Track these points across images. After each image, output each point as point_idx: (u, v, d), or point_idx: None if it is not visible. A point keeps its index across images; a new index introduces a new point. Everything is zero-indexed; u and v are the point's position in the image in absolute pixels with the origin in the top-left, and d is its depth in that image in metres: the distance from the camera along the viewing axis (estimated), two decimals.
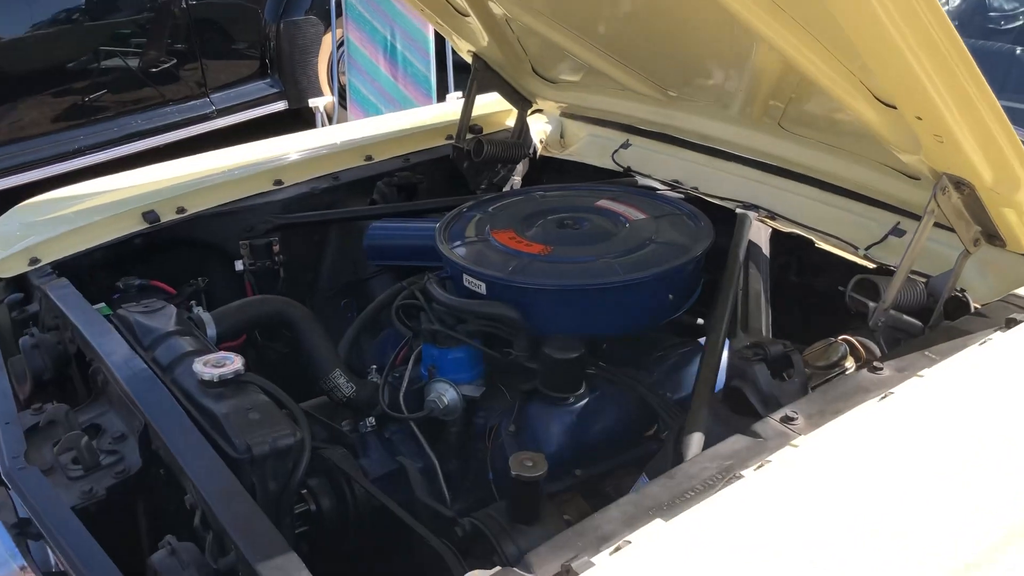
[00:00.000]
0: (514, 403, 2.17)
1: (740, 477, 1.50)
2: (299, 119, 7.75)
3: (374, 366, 2.35)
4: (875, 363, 1.81)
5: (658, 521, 1.42)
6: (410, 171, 3.02)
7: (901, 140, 1.92)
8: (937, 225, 2.30)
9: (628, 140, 3.10)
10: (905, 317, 2.00)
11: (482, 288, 2.17)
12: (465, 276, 2.21)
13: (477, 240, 2.34)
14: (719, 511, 1.43)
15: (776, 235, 2.50)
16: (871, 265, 2.35)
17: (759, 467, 1.52)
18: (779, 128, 2.47)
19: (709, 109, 2.67)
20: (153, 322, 2.01)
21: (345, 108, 6.37)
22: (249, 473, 1.63)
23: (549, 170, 3.29)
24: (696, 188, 2.77)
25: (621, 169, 3.01)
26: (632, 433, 2.25)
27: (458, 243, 2.34)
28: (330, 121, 6.42)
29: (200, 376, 1.75)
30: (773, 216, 2.57)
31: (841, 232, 2.44)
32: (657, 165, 2.94)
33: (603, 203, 2.53)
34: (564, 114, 3.34)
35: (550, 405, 2.13)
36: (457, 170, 3.15)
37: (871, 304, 1.95)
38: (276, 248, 2.74)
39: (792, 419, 1.66)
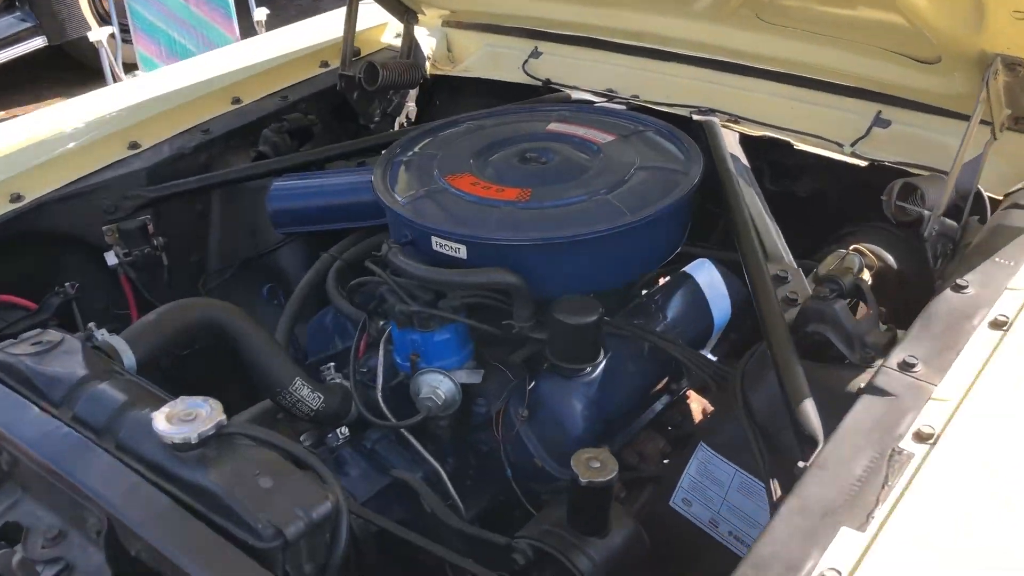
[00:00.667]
0: (520, 382, 1.81)
1: (909, 456, 1.24)
2: (67, 59, 6.68)
3: (330, 365, 1.91)
4: (958, 280, 1.59)
5: (850, 533, 1.14)
6: (299, 112, 2.49)
7: (950, 23, 1.68)
8: (921, 110, 2.14)
9: (537, 47, 2.71)
10: (946, 220, 1.80)
11: (461, 252, 1.77)
12: (436, 239, 1.79)
13: (430, 190, 1.91)
14: (924, 510, 1.17)
15: (744, 140, 2.23)
16: (861, 163, 2.14)
17: (923, 439, 1.26)
18: (757, 21, 2.17)
19: (664, 4, 2.32)
20: (56, 366, 1.46)
21: (129, 42, 5.47)
22: (280, 562, 1.20)
23: (443, 92, 2.86)
24: (636, 96, 2.45)
25: (539, 82, 2.63)
26: (648, 391, 1.96)
27: (408, 197, 1.90)
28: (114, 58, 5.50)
29: (168, 438, 1.27)
30: (736, 120, 2.30)
31: (818, 130, 2.21)
32: (581, 74, 2.59)
33: (555, 127, 2.15)
34: (448, 23, 2.88)
35: (566, 379, 1.80)
36: (342, 103, 2.65)
37: (925, 212, 1.73)
38: (151, 229, 2.18)
39: (912, 365, 1.41)
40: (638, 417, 1.94)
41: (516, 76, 2.69)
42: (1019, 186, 1.90)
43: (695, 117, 2.30)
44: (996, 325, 1.46)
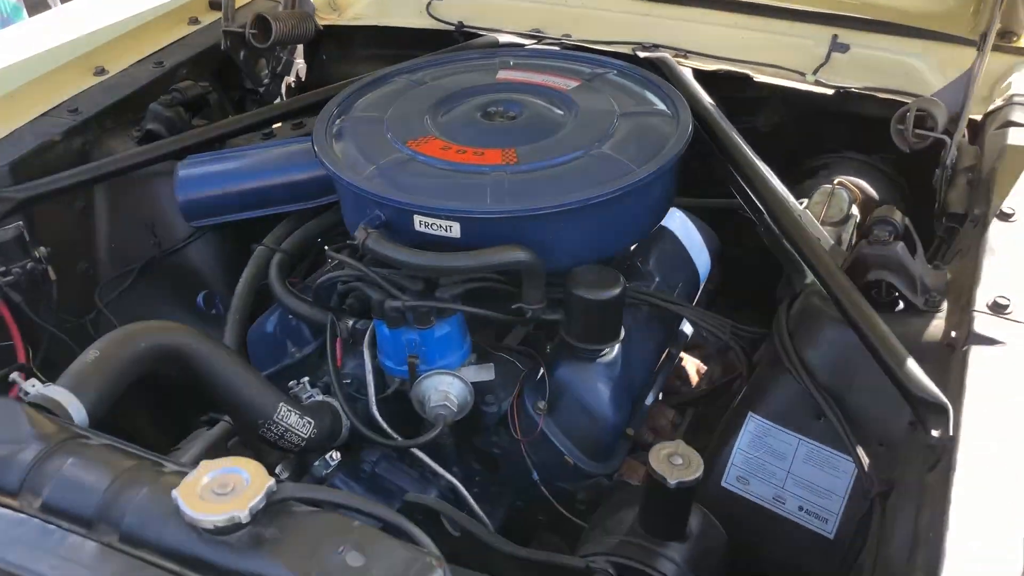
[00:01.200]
0: (530, 372, 1.59)
1: None
2: None
3: (303, 380, 1.60)
4: (1003, 208, 1.50)
5: None
6: (189, 78, 2.08)
7: None
8: (879, 31, 2.05)
9: None
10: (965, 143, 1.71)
11: (453, 230, 1.50)
12: (419, 218, 1.51)
13: (395, 160, 1.61)
14: None
15: (697, 76, 2.07)
16: (825, 91, 2.03)
17: None
18: None
19: None
20: None
21: None
22: None
23: (331, 45, 2.51)
24: (568, 35, 2.22)
25: (450, 26, 2.35)
26: (657, 362, 1.79)
27: (366, 170, 1.60)
28: None
29: (207, 522, 0.95)
30: (685, 55, 2.13)
31: (774, 60, 2.08)
32: (499, 14, 2.33)
33: (506, 75, 1.90)
34: None
35: (588, 362, 1.58)
36: (224, 66, 2.26)
37: (948, 139, 1.63)
38: (27, 238, 1.75)
39: (1005, 306, 1.31)
40: (650, 391, 1.77)
41: (420, 21, 2.40)
42: (999, 103, 1.85)
43: (640, 55, 2.11)
44: None
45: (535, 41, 2.21)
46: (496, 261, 1.47)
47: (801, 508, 1.48)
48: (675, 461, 1.29)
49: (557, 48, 2.15)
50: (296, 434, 1.46)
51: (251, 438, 1.48)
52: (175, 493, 0.97)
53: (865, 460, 1.37)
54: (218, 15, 2.34)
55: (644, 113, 1.74)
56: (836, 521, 1.45)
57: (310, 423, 1.48)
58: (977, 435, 1.11)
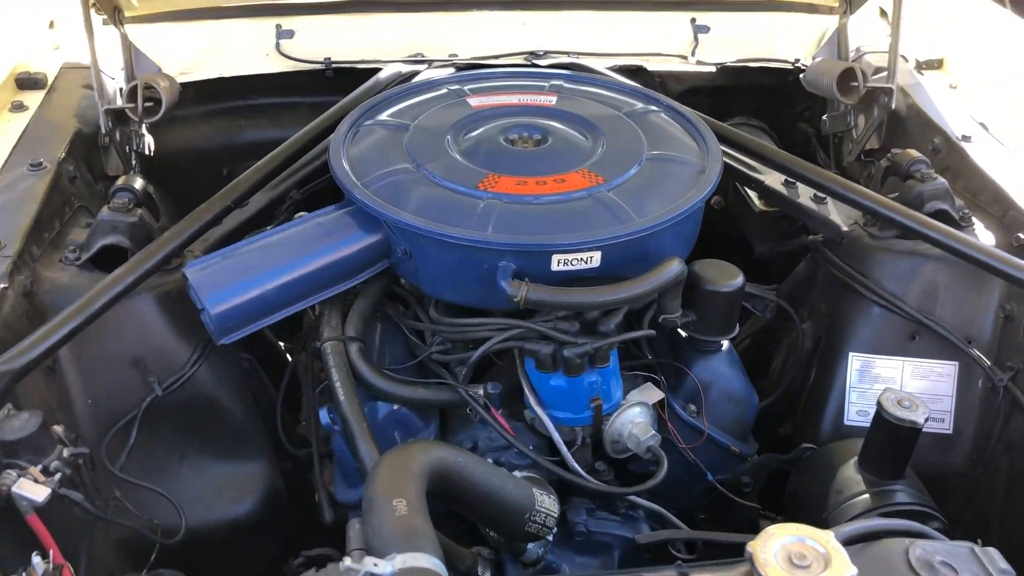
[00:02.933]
0: (673, 380, 1.60)
1: None
2: None
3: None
4: (963, 134, 1.85)
5: None
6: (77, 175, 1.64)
7: None
8: (730, 10, 2.32)
9: (280, 25, 2.17)
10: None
11: (594, 259, 1.45)
12: (558, 256, 1.43)
13: (485, 210, 1.49)
14: None
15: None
16: (706, 69, 2.25)
17: None
18: None
19: None
20: None
21: None
22: None
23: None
24: (455, 55, 2.16)
25: (318, 64, 2.13)
26: None
27: (466, 225, 1.46)
28: None
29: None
30: (577, 56, 2.19)
31: (650, 49, 2.25)
32: (365, 45, 2.17)
33: (479, 101, 1.82)
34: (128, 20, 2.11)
35: (716, 352, 1.64)
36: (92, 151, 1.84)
37: (892, 86, 1.93)
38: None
39: None
40: None
41: (273, 64, 2.14)
42: (853, 56, 2.21)
43: (536, 63, 2.14)
44: None
45: (427, 65, 2.11)
46: (666, 279, 1.45)
47: (926, 418, 1.71)
48: (905, 404, 1.44)
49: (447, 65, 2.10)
50: (551, 515, 1.33)
51: (518, 538, 1.31)
52: None
53: (982, 357, 1.64)
54: (33, 94, 1.88)
55: (650, 112, 1.80)
56: (951, 419, 1.70)
57: (554, 499, 1.35)
58: None
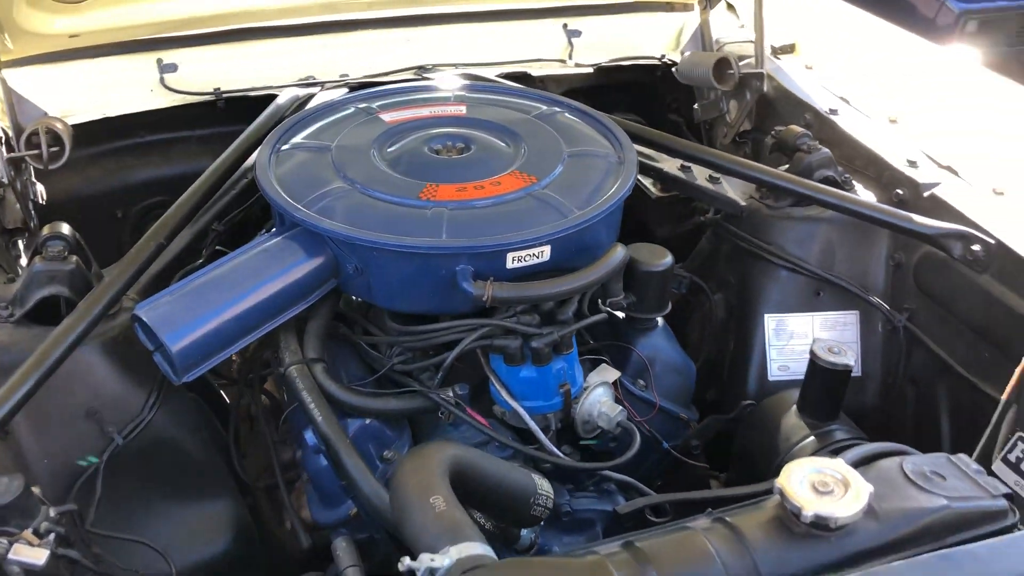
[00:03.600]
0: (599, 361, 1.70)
1: None
2: None
3: None
4: (829, 108, 2.06)
5: None
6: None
7: None
8: (596, 14, 2.46)
9: (161, 59, 2.12)
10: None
11: (544, 254, 1.53)
12: (513, 254, 1.50)
13: (432, 217, 1.53)
14: None
15: None
16: (584, 71, 2.37)
17: None
18: None
19: None
20: None
21: None
22: None
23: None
24: (346, 75, 2.18)
25: (208, 96, 2.10)
26: None
27: (416, 233, 1.51)
28: None
29: None
30: (465, 67, 2.26)
31: (534, 55, 2.35)
32: (253, 72, 2.15)
33: (391, 116, 1.85)
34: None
35: (654, 328, 1.75)
36: None
37: (762, 70, 2.11)
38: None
39: (915, 161, 1.85)
40: None
41: (159, 99, 2.09)
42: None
43: (427, 76, 2.20)
44: None
45: (320, 88, 2.12)
46: (614, 265, 1.56)
47: None
48: (835, 351, 1.59)
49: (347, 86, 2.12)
50: (550, 497, 1.39)
51: (523, 523, 1.36)
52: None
53: (881, 303, 1.84)
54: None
55: (556, 113, 1.89)
56: (859, 362, 1.88)
57: (548, 482, 1.41)
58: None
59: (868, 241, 1.87)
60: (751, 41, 2.21)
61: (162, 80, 2.10)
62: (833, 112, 2.05)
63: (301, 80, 2.15)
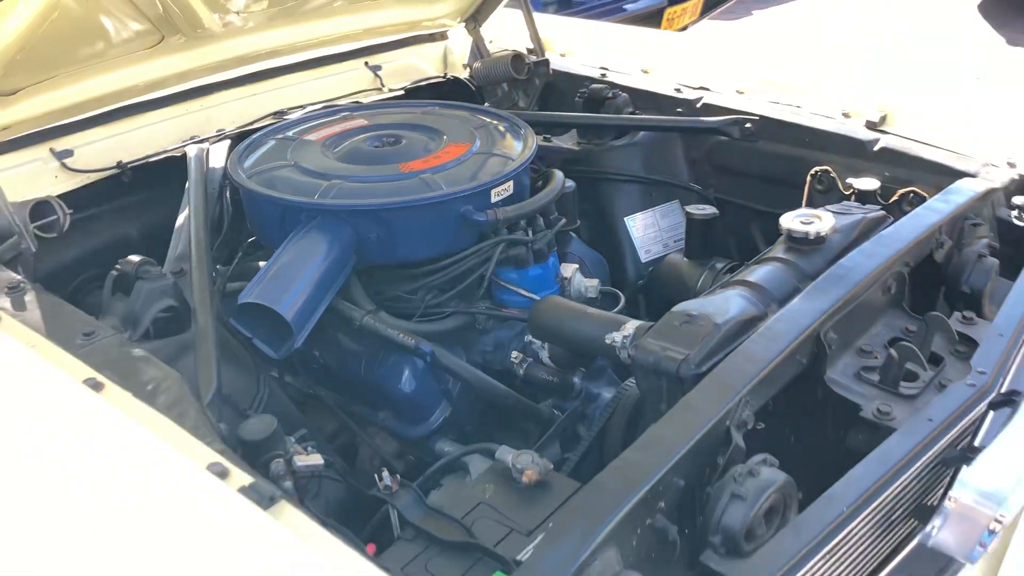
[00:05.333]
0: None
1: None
2: None
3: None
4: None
5: None
6: None
7: None
8: (388, 49, 2.99)
9: (53, 147, 2.25)
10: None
11: (509, 189, 2.05)
12: (496, 190, 2.00)
13: (416, 176, 1.98)
14: None
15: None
16: (397, 94, 2.87)
17: None
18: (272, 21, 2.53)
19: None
20: None
21: None
22: None
23: None
24: (223, 129, 2.47)
25: (118, 170, 2.28)
26: None
27: (422, 189, 1.95)
28: None
29: None
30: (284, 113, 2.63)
31: (351, 89, 2.80)
32: (146, 141, 2.36)
33: (313, 136, 2.24)
34: None
35: (574, 239, 2.32)
36: None
37: (547, 58, 2.77)
38: None
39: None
40: None
41: (67, 182, 2.23)
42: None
43: (286, 117, 2.56)
44: None
45: (208, 142, 2.39)
46: (561, 183, 2.11)
47: (676, 240, 2.58)
48: (702, 207, 2.28)
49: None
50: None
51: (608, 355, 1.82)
52: None
53: (693, 185, 2.58)
54: None
55: (435, 111, 2.39)
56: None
57: None
58: None
59: (669, 148, 2.61)
60: (506, 49, 2.90)
61: (64, 165, 2.24)
62: (604, 72, 2.78)
63: (188, 140, 2.40)
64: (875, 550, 1.40)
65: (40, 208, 1.96)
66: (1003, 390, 1.53)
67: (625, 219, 2.56)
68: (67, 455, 1.30)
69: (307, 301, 1.78)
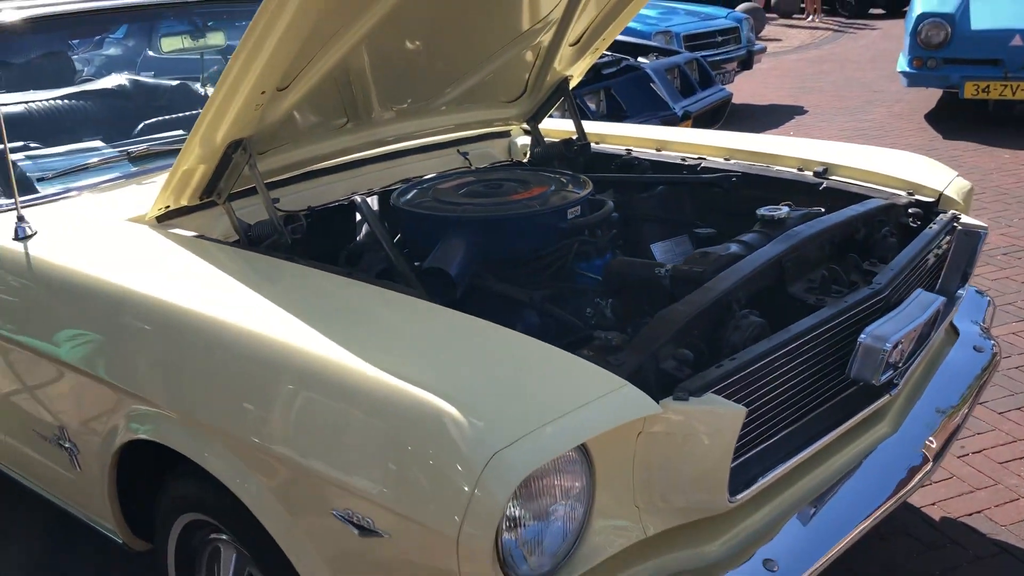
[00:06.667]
0: None
1: None
2: None
3: None
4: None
5: None
6: None
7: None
8: (477, 140, 4.14)
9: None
10: None
11: (577, 210, 3.14)
12: (571, 211, 3.09)
13: (523, 201, 3.08)
14: None
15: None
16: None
17: None
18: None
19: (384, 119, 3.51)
20: None
21: None
22: None
23: None
24: (372, 188, 3.57)
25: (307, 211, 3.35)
26: None
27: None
28: None
29: None
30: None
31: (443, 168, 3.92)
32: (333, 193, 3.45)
33: (443, 185, 3.34)
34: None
35: None
36: None
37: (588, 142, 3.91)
38: None
39: None
40: None
41: None
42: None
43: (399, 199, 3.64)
44: None
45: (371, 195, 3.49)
46: (611, 207, 3.19)
47: None
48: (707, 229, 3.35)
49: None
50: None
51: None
52: None
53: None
54: None
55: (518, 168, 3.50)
56: None
57: None
58: None
59: (679, 197, 3.70)
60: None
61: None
62: (630, 150, 3.91)
63: (351, 194, 3.49)
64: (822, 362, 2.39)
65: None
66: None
67: (651, 246, 3.62)
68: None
69: (459, 272, 2.83)
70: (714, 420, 1.98)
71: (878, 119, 10.77)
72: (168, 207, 2.92)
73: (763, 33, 18.06)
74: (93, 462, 2.72)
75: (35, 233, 2.90)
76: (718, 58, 10.56)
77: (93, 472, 2.75)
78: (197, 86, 4.44)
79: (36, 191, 3.26)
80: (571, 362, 1.99)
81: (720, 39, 11.10)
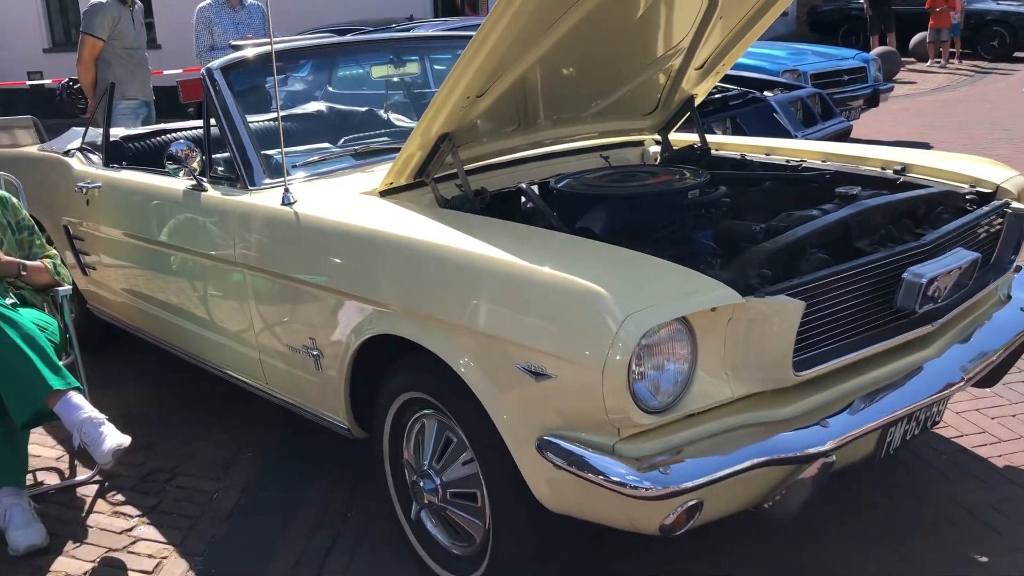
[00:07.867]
0: None
1: None
2: None
3: None
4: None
5: None
6: None
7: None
8: (616, 148, 5.10)
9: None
10: None
11: (697, 193, 4.03)
12: (691, 193, 3.99)
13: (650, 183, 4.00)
14: None
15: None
16: None
17: None
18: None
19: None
20: None
21: None
22: None
23: None
24: (534, 180, 4.56)
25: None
26: None
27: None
28: None
29: None
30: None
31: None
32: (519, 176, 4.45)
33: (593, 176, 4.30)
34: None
35: None
36: None
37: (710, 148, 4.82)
38: None
39: None
40: None
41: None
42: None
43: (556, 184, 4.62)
44: None
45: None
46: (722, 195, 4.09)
47: None
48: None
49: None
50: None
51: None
52: None
53: None
54: None
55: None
56: None
57: None
58: None
59: (784, 192, 4.54)
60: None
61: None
62: (743, 155, 4.78)
63: (519, 182, 4.49)
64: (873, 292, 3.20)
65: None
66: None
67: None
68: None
69: (602, 230, 3.77)
70: (782, 311, 2.84)
71: (1002, 154, 11.14)
72: (392, 183, 3.99)
73: (897, 76, 18.43)
74: (333, 364, 3.79)
75: (296, 201, 4.02)
76: (843, 95, 11.19)
77: (332, 373, 3.82)
78: (380, 111, 5.67)
79: (290, 175, 4.42)
80: (685, 271, 2.90)
81: (847, 78, 11.73)
